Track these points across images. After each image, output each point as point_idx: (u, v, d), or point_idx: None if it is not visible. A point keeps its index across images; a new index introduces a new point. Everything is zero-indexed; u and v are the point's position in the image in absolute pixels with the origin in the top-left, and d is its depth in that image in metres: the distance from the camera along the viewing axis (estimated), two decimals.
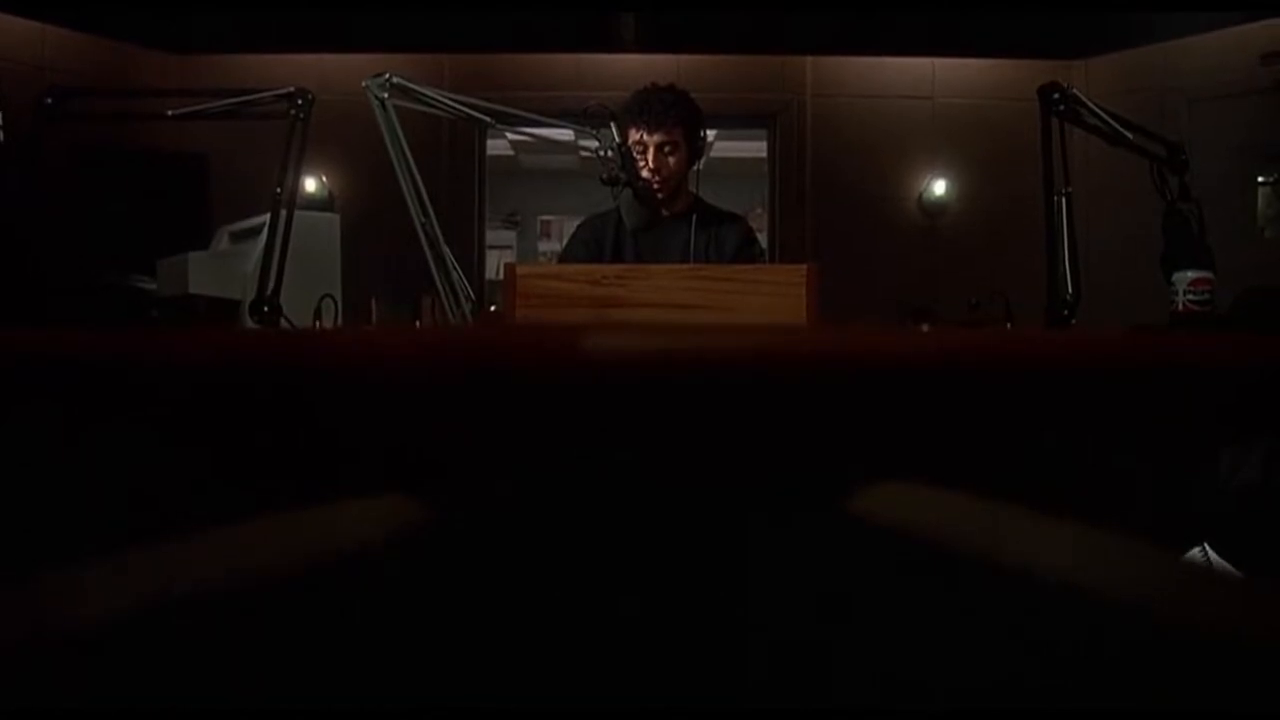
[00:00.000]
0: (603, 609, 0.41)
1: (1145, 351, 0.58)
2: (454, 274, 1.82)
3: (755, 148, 5.94)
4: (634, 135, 2.36)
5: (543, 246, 8.18)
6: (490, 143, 5.42)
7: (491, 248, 6.39)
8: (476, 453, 0.41)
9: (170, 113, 1.67)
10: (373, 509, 0.44)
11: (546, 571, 0.42)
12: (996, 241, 4.85)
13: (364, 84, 1.72)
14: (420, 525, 0.43)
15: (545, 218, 8.22)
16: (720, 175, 6.25)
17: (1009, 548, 0.43)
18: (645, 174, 2.33)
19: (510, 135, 5.42)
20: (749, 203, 7.38)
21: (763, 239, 5.34)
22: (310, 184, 4.88)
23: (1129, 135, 1.70)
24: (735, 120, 5.22)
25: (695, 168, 2.48)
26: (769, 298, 1.73)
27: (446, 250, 1.81)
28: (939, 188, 5.00)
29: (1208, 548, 1.35)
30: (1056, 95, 1.63)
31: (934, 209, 5.04)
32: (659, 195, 2.35)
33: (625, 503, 0.41)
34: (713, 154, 6.86)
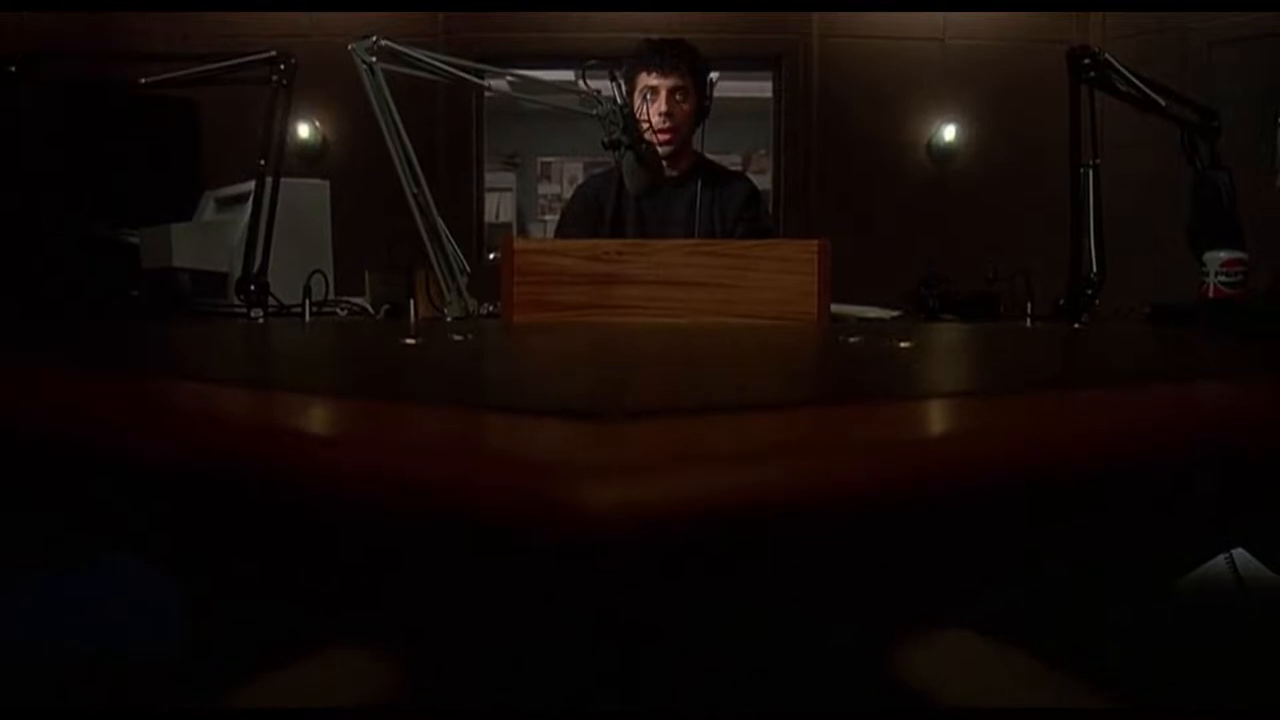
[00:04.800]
0: None
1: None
2: (448, 246, 1.74)
3: (758, 88, 5.76)
4: (645, 80, 2.28)
5: (543, 189, 8.02)
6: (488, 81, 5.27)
7: (491, 190, 6.25)
8: (442, 614, 0.35)
9: (143, 80, 1.57)
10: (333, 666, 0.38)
11: None
12: (1008, 191, 4.73)
13: (350, 48, 1.63)
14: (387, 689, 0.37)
15: (545, 159, 8.04)
16: (722, 116, 6.08)
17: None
18: (655, 119, 2.25)
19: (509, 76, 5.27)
20: (751, 145, 7.21)
21: (766, 181, 5.22)
22: (304, 130, 4.74)
23: (1162, 102, 1.60)
24: (739, 62, 5.05)
25: (700, 127, 2.39)
26: (777, 274, 1.65)
27: (440, 222, 1.72)
28: (948, 133, 4.86)
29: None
30: (1087, 60, 1.53)
31: (943, 155, 4.91)
32: (668, 147, 2.26)
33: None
34: (715, 94, 6.65)
